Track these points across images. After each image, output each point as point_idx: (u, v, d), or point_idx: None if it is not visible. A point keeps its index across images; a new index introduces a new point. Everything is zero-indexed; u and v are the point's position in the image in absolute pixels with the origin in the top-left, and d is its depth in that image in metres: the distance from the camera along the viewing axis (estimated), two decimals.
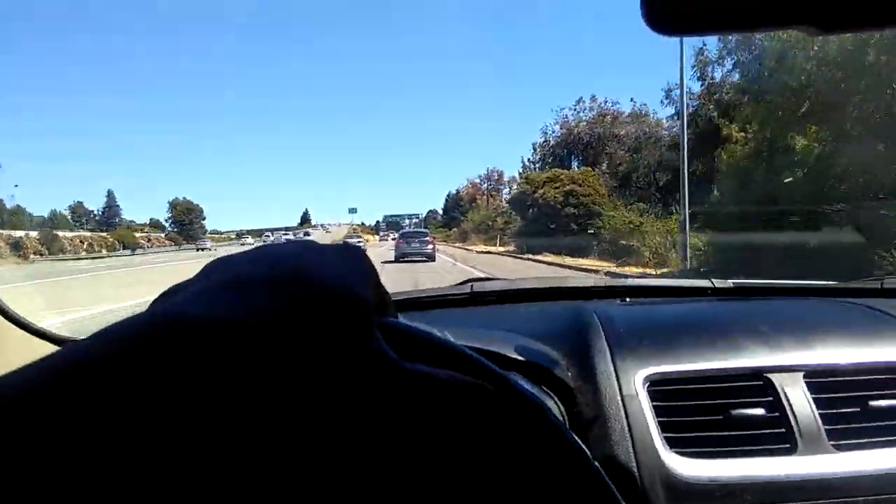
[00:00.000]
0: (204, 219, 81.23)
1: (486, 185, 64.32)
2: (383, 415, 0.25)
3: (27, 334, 1.12)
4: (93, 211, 74.99)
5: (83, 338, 0.22)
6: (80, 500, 0.18)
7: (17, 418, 0.19)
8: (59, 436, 0.19)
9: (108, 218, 74.38)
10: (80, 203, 74.21)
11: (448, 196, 78.04)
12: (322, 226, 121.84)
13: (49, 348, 1.11)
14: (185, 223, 77.16)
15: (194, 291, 0.26)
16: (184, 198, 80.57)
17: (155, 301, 0.28)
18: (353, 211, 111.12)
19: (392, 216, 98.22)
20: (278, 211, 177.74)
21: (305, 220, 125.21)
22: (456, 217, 66.91)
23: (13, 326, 1.09)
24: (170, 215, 78.99)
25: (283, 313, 0.24)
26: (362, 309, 0.26)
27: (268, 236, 78.61)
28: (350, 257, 0.31)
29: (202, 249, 49.27)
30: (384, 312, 0.31)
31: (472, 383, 0.28)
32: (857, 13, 0.42)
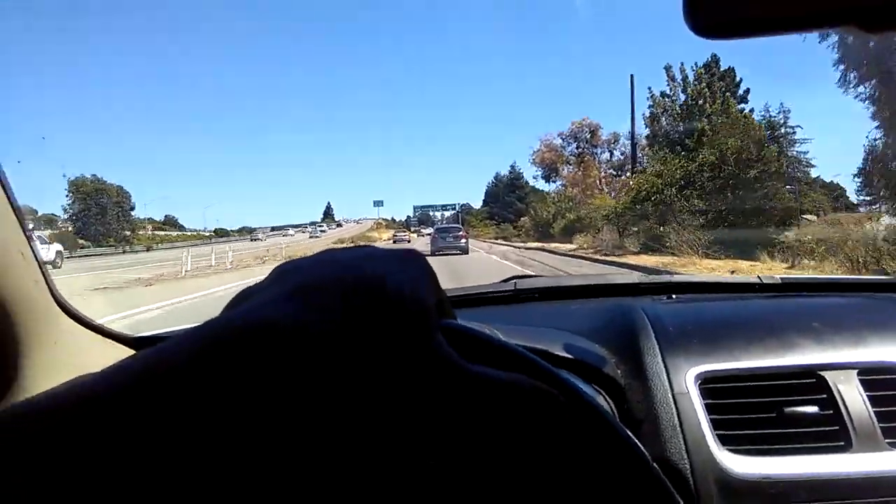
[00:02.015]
0: (132, 208, 55.20)
1: (577, 146, 42.66)
2: (449, 417, 0.25)
3: (97, 335, 1.15)
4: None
5: (146, 344, 0.24)
6: (173, 497, 0.19)
7: (106, 419, 0.20)
8: (150, 435, 0.20)
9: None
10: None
11: (495, 179, 69.43)
12: (338, 221, 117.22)
13: (119, 349, 1.15)
14: (91, 213, 50.21)
15: (266, 298, 0.27)
16: (93, 176, 52.22)
17: (229, 304, 0.29)
18: (378, 204, 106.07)
19: (424, 207, 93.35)
20: (300, 205, 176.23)
21: (328, 214, 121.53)
22: (511, 203, 58.60)
23: (83, 329, 1.13)
24: (70, 201, 50.90)
25: (350, 319, 0.25)
26: (425, 313, 0.27)
27: (257, 237, 71.16)
28: (411, 262, 0.32)
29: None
30: (444, 315, 0.32)
31: (537, 387, 0.28)
32: None
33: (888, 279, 1.45)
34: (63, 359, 1.06)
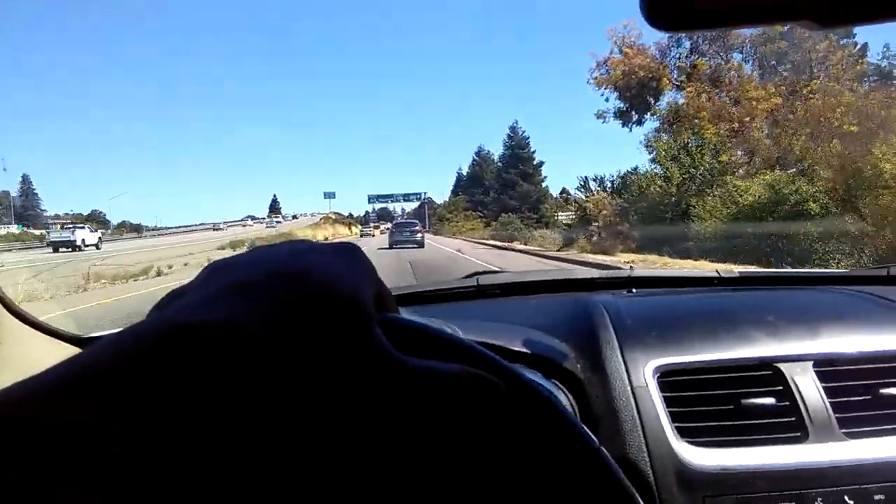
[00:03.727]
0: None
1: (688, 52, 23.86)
2: (386, 411, 0.25)
3: (39, 333, 1.12)
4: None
5: (91, 344, 0.24)
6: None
7: (26, 429, 0.19)
8: (64, 445, 0.19)
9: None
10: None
11: (478, 157, 58.40)
12: (294, 215, 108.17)
13: (59, 346, 1.11)
14: None
15: (197, 297, 0.26)
16: None
17: (159, 304, 0.29)
18: (329, 196, 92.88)
19: (381, 197, 79.88)
20: (244, 200, 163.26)
21: (274, 208, 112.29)
22: (511, 183, 47.65)
23: (23, 325, 1.09)
24: None
25: (281, 317, 0.24)
26: (360, 307, 0.26)
27: (220, 227, 69.95)
28: (347, 255, 0.31)
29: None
30: (384, 308, 0.31)
31: (478, 376, 0.28)
32: (854, 7, 0.42)
33: (843, 273, 1.48)
34: (9, 358, 1.03)
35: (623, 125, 26.20)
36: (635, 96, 24.73)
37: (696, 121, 20.38)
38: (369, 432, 0.23)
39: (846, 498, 0.75)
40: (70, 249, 28.86)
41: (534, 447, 0.31)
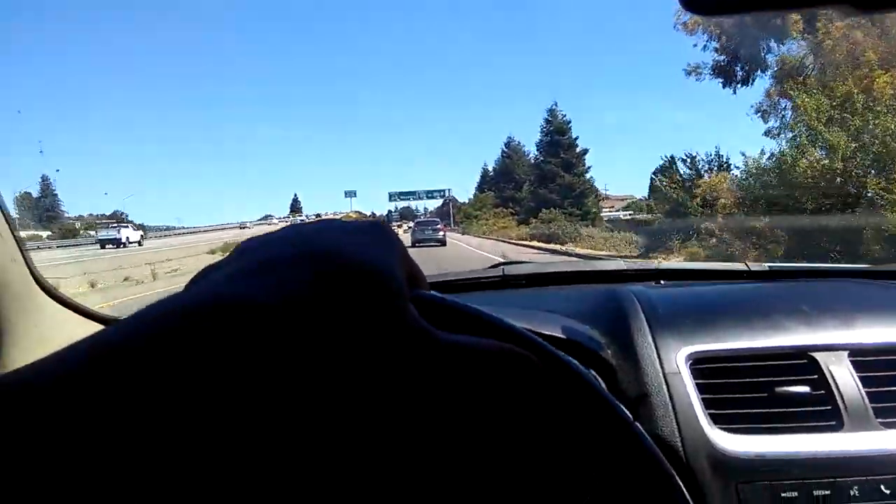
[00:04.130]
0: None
1: None
2: (420, 385, 0.24)
3: (74, 314, 1.14)
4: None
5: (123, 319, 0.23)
6: (114, 484, 0.18)
7: (47, 405, 0.19)
8: (90, 422, 0.19)
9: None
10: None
11: (507, 148, 52.19)
12: (317, 214, 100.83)
13: (95, 328, 1.13)
14: None
15: (229, 273, 0.26)
16: None
17: (191, 281, 0.28)
18: (350, 195, 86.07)
19: (403, 194, 74.11)
20: (265, 200, 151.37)
21: (295, 207, 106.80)
22: (550, 175, 39.11)
23: (61, 307, 1.11)
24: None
25: (314, 293, 0.24)
26: (392, 283, 0.26)
27: (245, 226, 69.53)
28: (378, 234, 0.31)
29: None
30: (416, 286, 0.31)
31: (514, 351, 0.28)
32: None
33: (872, 267, 1.46)
34: (44, 337, 1.05)
35: (725, 84, 19.32)
36: (744, 45, 18.10)
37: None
38: (404, 406, 0.23)
39: (882, 487, 0.74)
40: (115, 246, 31.91)
41: (569, 423, 0.31)
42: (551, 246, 23.06)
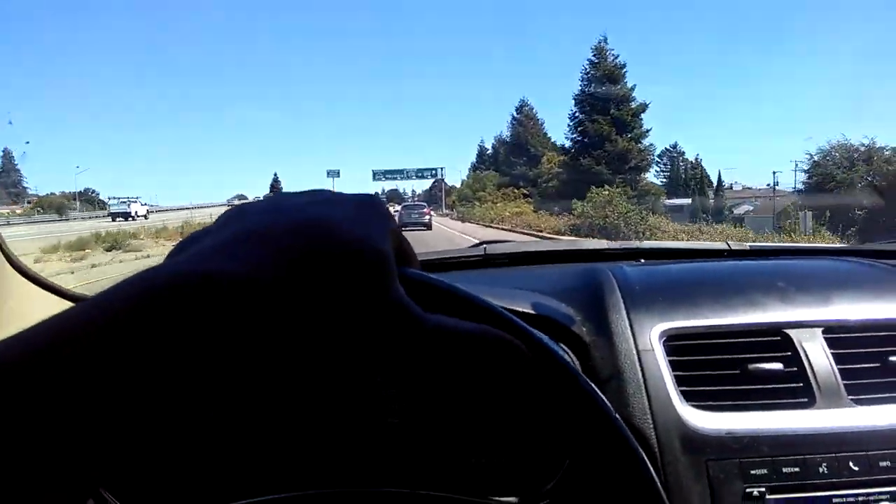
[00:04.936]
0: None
1: None
2: (404, 365, 0.25)
3: (48, 293, 1.12)
4: None
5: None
6: (72, 464, 0.18)
7: (18, 381, 0.19)
8: (59, 399, 0.19)
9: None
10: None
11: (520, 108, 43.14)
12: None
13: (65, 304, 1.11)
14: None
15: (212, 245, 0.26)
16: None
17: (173, 251, 0.28)
18: (333, 174, 76.77)
19: (388, 173, 67.88)
20: (243, 178, 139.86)
21: (275, 187, 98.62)
22: (597, 139, 29.54)
23: (34, 286, 1.10)
24: None
25: (298, 267, 0.24)
26: (379, 260, 0.26)
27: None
28: (368, 207, 0.30)
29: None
30: (405, 263, 0.30)
31: (500, 337, 0.28)
32: None
33: (854, 246, 1.46)
34: (15, 317, 1.03)
35: None
36: None
37: None
38: (386, 384, 0.23)
39: (851, 464, 0.74)
40: (124, 219, 36.67)
41: (543, 405, 0.31)
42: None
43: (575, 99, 32.81)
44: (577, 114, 32.69)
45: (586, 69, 31.59)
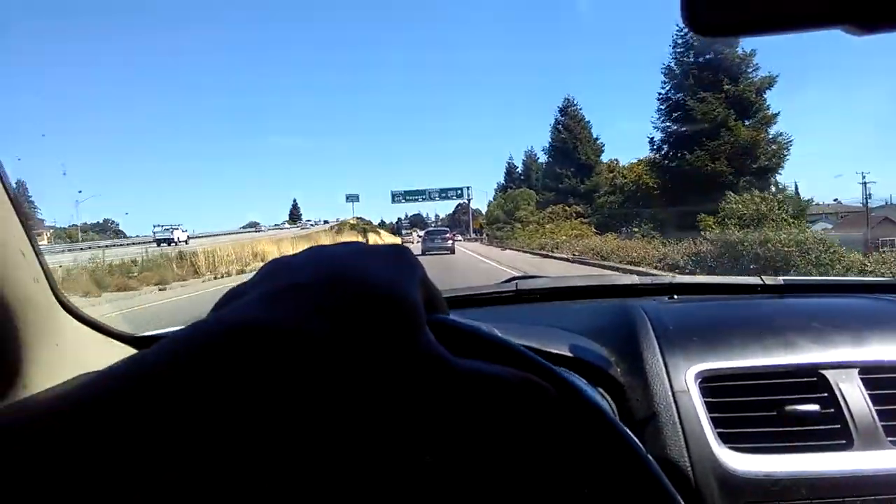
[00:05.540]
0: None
1: None
2: (438, 413, 0.25)
3: (96, 333, 1.16)
4: None
5: (145, 343, 0.25)
6: (165, 499, 0.19)
7: (99, 422, 0.20)
8: (143, 437, 0.20)
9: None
10: None
11: (561, 117, 35.16)
12: (325, 220, 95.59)
13: (116, 346, 1.15)
14: None
15: (259, 296, 0.27)
16: None
17: (218, 303, 0.29)
18: (352, 199, 78.93)
19: (410, 193, 62.22)
20: (261, 204, 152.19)
21: (295, 214, 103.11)
22: (714, 117, 20.23)
23: (82, 326, 1.13)
24: None
25: (334, 318, 0.25)
26: (411, 309, 0.27)
27: (261, 229, 71.64)
28: (399, 258, 0.32)
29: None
30: (434, 310, 0.32)
31: (527, 379, 0.28)
32: None
33: (890, 281, 1.45)
34: (64, 357, 1.07)
35: None
36: None
37: None
38: (418, 431, 0.24)
39: None
40: (167, 245, 40.33)
41: (581, 453, 0.31)
42: None
43: (665, 71, 23.55)
44: (670, 93, 23.13)
45: (680, 28, 21.77)
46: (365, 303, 0.26)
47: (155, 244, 40.32)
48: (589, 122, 35.21)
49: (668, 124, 23.23)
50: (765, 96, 21.64)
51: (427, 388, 0.25)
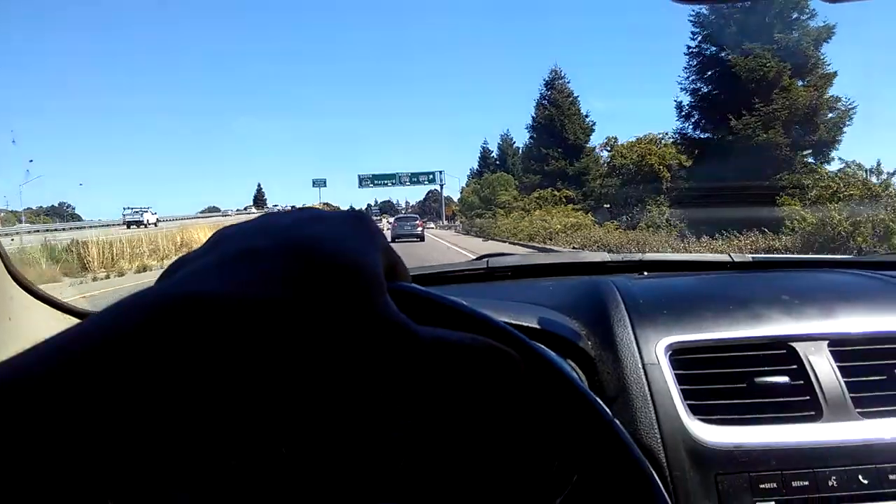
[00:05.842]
0: None
1: None
2: (396, 379, 0.24)
3: (48, 307, 1.12)
4: None
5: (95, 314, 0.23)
6: (83, 479, 0.19)
7: (20, 401, 0.19)
8: (61, 418, 0.19)
9: None
10: None
11: (546, 87, 31.73)
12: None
13: (69, 321, 1.11)
14: None
15: (206, 264, 0.26)
16: None
17: (166, 272, 0.28)
18: (319, 184, 76.23)
19: (378, 177, 58.64)
20: (221, 188, 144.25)
21: (259, 199, 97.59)
22: (760, 72, 15.71)
23: (35, 300, 1.09)
24: None
25: (289, 286, 0.24)
26: (369, 276, 0.26)
27: (227, 214, 69.23)
28: (356, 224, 0.30)
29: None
30: (396, 278, 0.31)
31: (492, 345, 0.28)
32: None
33: (858, 258, 1.47)
34: (18, 332, 1.03)
35: None
36: None
37: None
38: (379, 398, 0.23)
39: (860, 477, 0.74)
40: (137, 226, 40.93)
41: (551, 421, 0.31)
42: None
43: (694, 20, 19.47)
44: (701, 47, 19.18)
45: None
46: (322, 269, 0.25)
47: (125, 226, 41.13)
48: (577, 97, 31.88)
49: (699, 85, 19.05)
50: (821, 51, 17.43)
51: (388, 355, 0.24)
